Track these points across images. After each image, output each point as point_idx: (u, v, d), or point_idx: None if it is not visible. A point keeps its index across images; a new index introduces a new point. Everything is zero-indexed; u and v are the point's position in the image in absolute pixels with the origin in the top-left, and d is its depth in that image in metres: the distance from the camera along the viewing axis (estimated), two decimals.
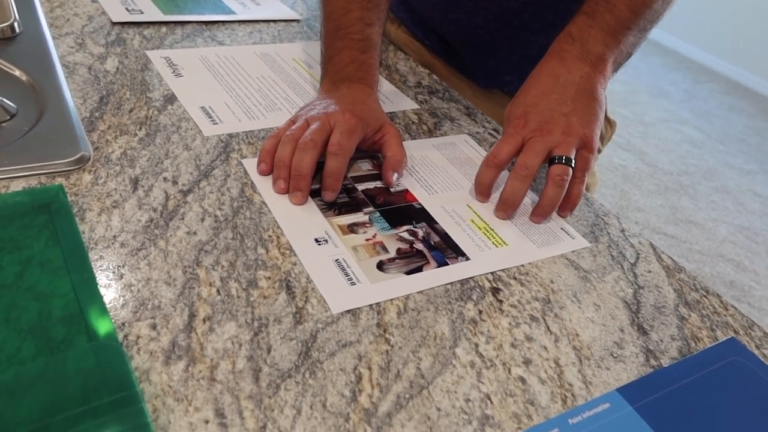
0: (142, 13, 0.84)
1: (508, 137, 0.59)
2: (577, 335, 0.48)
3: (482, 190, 0.60)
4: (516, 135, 0.59)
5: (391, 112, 0.73)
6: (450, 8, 0.80)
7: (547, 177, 0.57)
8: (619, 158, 2.81)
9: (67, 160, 0.53)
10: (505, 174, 0.61)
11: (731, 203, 2.63)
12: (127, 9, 0.84)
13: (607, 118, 0.94)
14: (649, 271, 0.57)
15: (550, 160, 0.58)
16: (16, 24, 0.71)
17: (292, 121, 0.60)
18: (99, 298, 0.41)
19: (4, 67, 0.64)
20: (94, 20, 0.80)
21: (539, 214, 0.58)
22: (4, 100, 0.58)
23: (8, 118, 0.57)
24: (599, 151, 0.94)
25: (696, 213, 2.50)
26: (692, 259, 2.21)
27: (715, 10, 3.99)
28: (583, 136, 0.58)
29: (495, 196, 0.61)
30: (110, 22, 0.80)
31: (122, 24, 0.80)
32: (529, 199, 0.62)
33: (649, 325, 0.51)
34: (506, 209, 0.58)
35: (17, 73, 0.63)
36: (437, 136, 0.71)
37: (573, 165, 0.57)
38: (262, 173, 0.57)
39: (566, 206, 0.59)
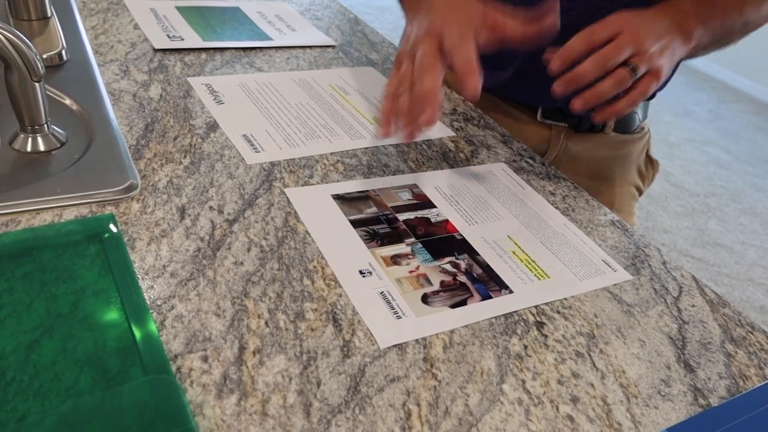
0: (183, 39, 0.86)
1: (607, 22, 0.60)
2: (624, 372, 0.47)
3: (566, 57, 0.59)
4: (613, 24, 0.60)
5: (427, 140, 0.74)
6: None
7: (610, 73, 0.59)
8: None
9: (116, 189, 0.54)
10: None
11: (760, 226, 2.59)
12: (168, 36, 0.86)
13: (649, 158, 0.93)
14: (693, 306, 0.56)
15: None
16: (63, 52, 0.73)
17: (398, 67, 0.60)
18: (153, 329, 0.42)
19: (54, 96, 0.65)
20: (136, 47, 0.82)
21: (585, 98, 0.59)
22: (55, 128, 0.59)
23: (59, 146, 0.59)
24: (640, 193, 0.93)
25: (724, 236, 2.47)
26: (721, 283, 2.18)
27: None
28: (658, 66, 0.61)
29: (526, 217, 0.61)
30: (152, 48, 0.82)
31: (164, 51, 0.82)
32: (567, 218, 0.62)
33: (695, 362, 0.50)
34: (569, 84, 0.59)
35: (67, 101, 0.65)
36: (475, 165, 0.71)
37: (636, 76, 0.59)
38: (385, 135, 0.58)
39: (612, 107, 0.61)
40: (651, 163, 0.92)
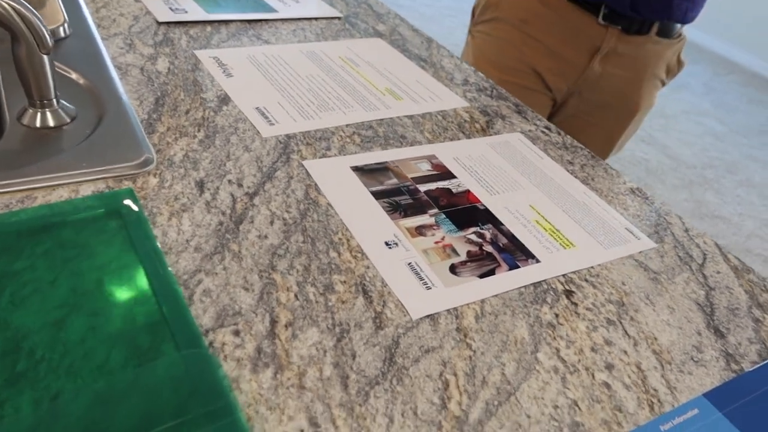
0: (186, 12, 0.83)
1: None
2: (656, 339, 0.47)
3: None
4: None
5: (442, 111, 0.73)
6: None
7: None
8: (641, 152, 2.78)
9: (132, 163, 0.52)
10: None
11: (757, 197, 2.60)
12: (170, 8, 0.83)
13: (678, 59, 1.04)
14: (718, 272, 0.56)
15: None
16: (66, 25, 0.71)
17: None
18: (182, 304, 0.41)
19: (60, 70, 0.63)
20: (139, 20, 0.79)
21: None
22: (64, 102, 0.58)
23: (69, 121, 0.57)
24: (663, 84, 1.04)
25: (721, 207, 2.48)
26: None
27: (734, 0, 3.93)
28: None
29: (547, 186, 0.60)
30: (156, 21, 0.80)
31: (168, 24, 0.80)
32: (583, 187, 0.61)
33: (725, 328, 0.50)
34: None
35: (74, 76, 0.63)
36: (491, 135, 0.70)
37: None
38: None
39: None
40: (679, 62, 1.02)
